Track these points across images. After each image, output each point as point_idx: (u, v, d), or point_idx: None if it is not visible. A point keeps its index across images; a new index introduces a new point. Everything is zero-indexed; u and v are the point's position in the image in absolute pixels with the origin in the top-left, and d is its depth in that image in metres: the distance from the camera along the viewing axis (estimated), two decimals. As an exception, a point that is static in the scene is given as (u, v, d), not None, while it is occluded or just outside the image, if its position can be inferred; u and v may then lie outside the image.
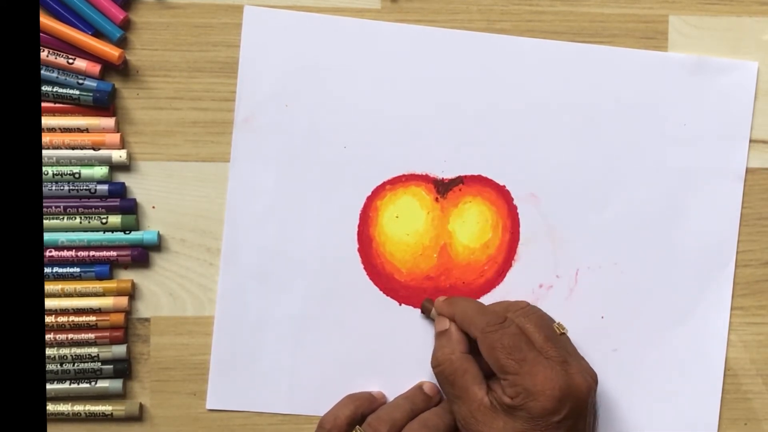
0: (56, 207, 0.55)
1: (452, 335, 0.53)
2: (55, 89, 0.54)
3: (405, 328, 0.56)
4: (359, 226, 0.56)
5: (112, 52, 0.54)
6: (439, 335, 0.54)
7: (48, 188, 0.54)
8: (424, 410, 0.54)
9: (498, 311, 0.53)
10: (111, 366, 0.55)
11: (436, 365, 0.52)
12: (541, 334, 0.50)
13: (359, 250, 0.56)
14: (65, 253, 0.55)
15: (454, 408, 0.52)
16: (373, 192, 0.56)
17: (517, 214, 0.56)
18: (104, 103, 0.54)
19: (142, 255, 0.55)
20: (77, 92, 0.54)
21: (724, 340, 0.57)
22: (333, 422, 0.53)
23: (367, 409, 0.54)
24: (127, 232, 0.55)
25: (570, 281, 0.56)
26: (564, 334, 0.52)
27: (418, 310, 0.56)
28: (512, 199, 0.56)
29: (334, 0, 0.56)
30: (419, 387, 0.55)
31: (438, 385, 0.54)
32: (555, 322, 0.53)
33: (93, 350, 0.55)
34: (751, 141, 0.57)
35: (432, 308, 0.55)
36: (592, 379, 0.51)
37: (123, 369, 0.55)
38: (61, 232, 0.55)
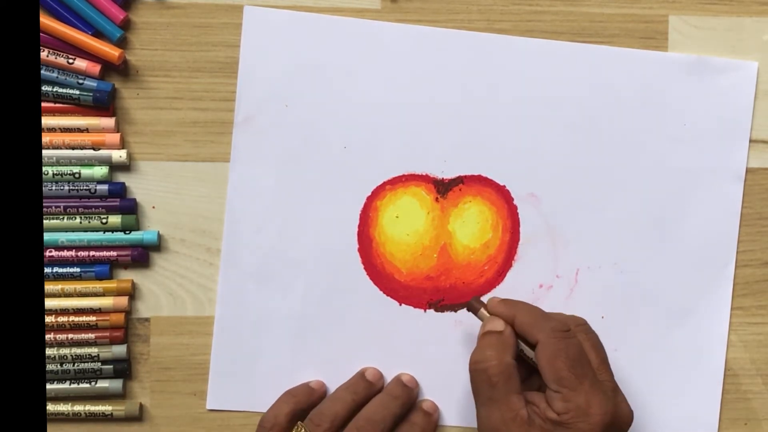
0: (56, 207, 0.55)
1: (507, 338, 0.50)
2: (55, 89, 0.54)
3: (405, 328, 0.56)
4: (359, 226, 0.56)
5: (112, 52, 0.54)
6: (489, 335, 0.51)
7: (48, 188, 0.54)
8: (366, 398, 0.53)
9: (561, 320, 0.51)
10: (111, 366, 0.55)
11: (482, 361, 0.49)
12: (598, 356, 0.49)
13: (359, 250, 0.56)
14: (65, 253, 0.55)
15: (484, 411, 0.49)
16: (373, 192, 0.56)
17: (517, 214, 0.56)
18: (104, 103, 0.54)
19: (142, 255, 0.55)
20: (77, 92, 0.54)
21: (724, 340, 0.57)
22: (274, 420, 0.52)
23: (306, 403, 0.54)
24: (127, 232, 0.55)
25: (570, 281, 0.56)
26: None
27: (419, 310, 0.56)
28: (512, 199, 0.56)
29: (334, 0, 0.56)
30: (361, 374, 0.55)
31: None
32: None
33: (93, 350, 0.55)
34: (751, 141, 0.57)
35: (480, 308, 0.52)
36: (632, 412, 0.50)
37: (123, 369, 0.55)
38: (61, 232, 0.55)
